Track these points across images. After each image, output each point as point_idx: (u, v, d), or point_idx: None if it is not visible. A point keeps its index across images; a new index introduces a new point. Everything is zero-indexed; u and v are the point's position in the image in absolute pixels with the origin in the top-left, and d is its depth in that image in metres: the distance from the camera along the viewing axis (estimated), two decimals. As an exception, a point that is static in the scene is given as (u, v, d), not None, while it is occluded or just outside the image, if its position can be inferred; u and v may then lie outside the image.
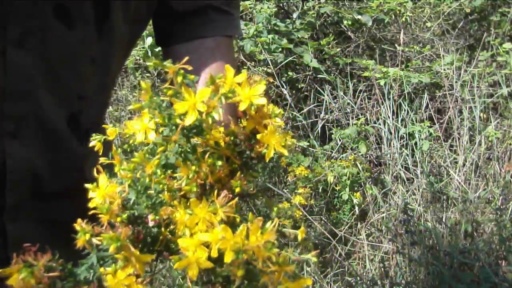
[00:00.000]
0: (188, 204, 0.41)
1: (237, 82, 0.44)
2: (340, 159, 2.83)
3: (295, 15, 3.65)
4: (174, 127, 0.44)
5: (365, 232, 2.55)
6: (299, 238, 0.47)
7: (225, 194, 0.41)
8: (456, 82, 3.16)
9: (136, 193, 0.44)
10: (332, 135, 3.00)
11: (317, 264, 2.40)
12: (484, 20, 3.89)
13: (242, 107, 0.44)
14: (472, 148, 2.85)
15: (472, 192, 2.59)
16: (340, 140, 2.94)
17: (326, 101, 3.21)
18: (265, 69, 3.30)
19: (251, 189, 0.47)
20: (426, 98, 3.20)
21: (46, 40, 0.66)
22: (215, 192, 0.42)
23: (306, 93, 3.44)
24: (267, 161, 0.46)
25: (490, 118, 3.08)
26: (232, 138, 0.47)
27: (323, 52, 3.57)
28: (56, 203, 0.70)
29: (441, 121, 3.17)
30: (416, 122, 3.08)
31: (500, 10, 3.79)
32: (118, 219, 0.42)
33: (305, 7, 3.69)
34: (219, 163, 0.44)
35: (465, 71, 3.24)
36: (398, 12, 3.81)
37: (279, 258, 0.40)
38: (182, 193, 0.43)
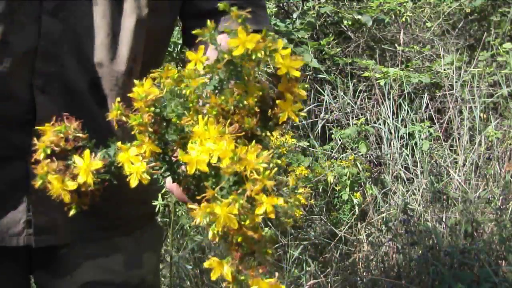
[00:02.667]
0: (206, 122, 0.50)
1: (281, 53, 0.52)
2: (340, 159, 2.83)
3: (295, 15, 3.64)
4: (222, 59, 0.53)
5: (365, 232, 2.55)
6: (290, 184, 0.52)
7: (235, 125, 0.50)
8: (456, 82, 3.16)
9: (169, 100, 0.53)
10: (332, 135, 3.00)
11: (317, 264, 2.40)
12: (484, 20, 3.89)
13: (280, 72, 0.53)
14: (472, 148, 2.85)
15: (472, 192, 2.59)
16: (340, 140, 2.94)
17: (326, 101, 3.21)
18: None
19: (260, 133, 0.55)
20: (426, 98, 3.20)
21: (75, 13, 0.78)
22: (229, 120, 0.50)
23: (306, 93, 3.44)
24: (280, 122, 0.55)
25: (490, 118, 3.07)
26: (260, 92, 0.55)
27: (323, 52, 3.57)
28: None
29: (441, 121, 3.17)
30: (416, 122, 3.08)
31: (500, 10, 3.79)
32: (146, 109, 0.51)
33: (305, 7, 3.69)
34: (245, 102, 0.52)
35: (465, 71, 3.24)
36: (398, 12, 3.81)
37: (265, 173, 0.46)
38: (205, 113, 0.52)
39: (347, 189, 2.63)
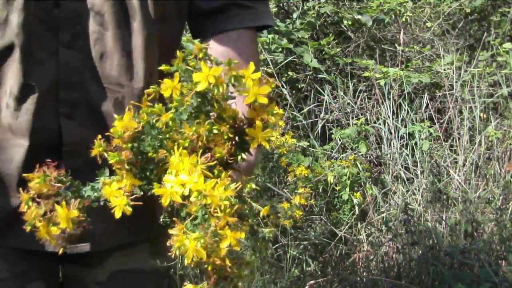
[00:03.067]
0: (180, 153, 0.53)
1: (251, 78, 0.55)
2: (340, 159, 2.83)
3: (295, 15, 3.64)
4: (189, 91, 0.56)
5: (365, 232, 2.55)
6: (262, 213, 0.55)
7: (207, 155, 0.53)
8: (456, 82, 3.16)
9: (147, 133, 0.56)
10: (332, 135, 3.00)
11: (317, 264, 2.40)
12: (484, 20, 3.89)
13: (247, 101, 0.55)
14: (472, 148, 2.85)
15: (472, 192, 2.59)
16: (340, 140, 2.94)
17: (326, 101, 3.21)
18: (265, 69, 3.30)
19: (233, 161, 0.57)
20: (426, 98, 3.20)
21: (90, 40, 0.82)
22: (201, 151, 0.53)
23: (306, 93, 3.44)
24: (251, 149, 0.57)
25: (490, 118, 3.07)
26: (231, 120, 0.57)
27: (323, 52, 3.57)
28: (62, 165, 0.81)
29: (441, 121, 3.17)
30: (416, 122, 3.08)
31: (500, 10, 3.79)
32: (124, 145, 0.55)
33: (305, 7, 3.69)
34: (214, 131, 0.55)
35: (465, 71, 3.24)
36: (398, 12, 3.80)
37: (226, 209, 0.50)
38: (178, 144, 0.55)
39: (347, 189, 2.62)
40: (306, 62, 3.35)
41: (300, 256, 2.32)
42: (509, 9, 3.68)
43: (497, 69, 3.29)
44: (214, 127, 0.55)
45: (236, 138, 0.58)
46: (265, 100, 0.55)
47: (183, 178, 0.51)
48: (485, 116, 3.17)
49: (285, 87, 3.24)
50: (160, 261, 0.98)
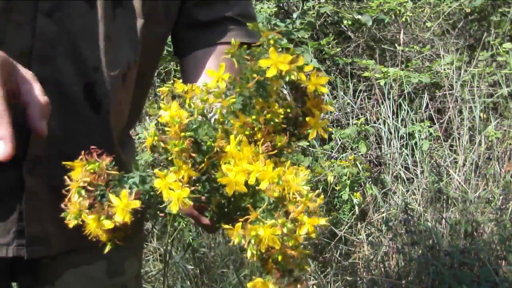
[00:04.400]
0: (238, 142, 0.52)
1: (306, 70, 0.54)
2: (340, 159, 2.83)
3: (295, 15, 3.64)
4: (249, 80, 0.54)
5: (365, 232, 2.55)
6: (318, 202, 0.52)
7: (268, 144, 0.51)
8: (456, 82, 3.16)
9: (199, 123, 0.53)
10: (332, 135, 3.00)
11: (317, 264, 2.40)
12: (484, 20, 3.89)
13: (309, 90, 0.55)
14: (472, 148, 2.85)
15: (472, 192, 2.59)
16: (340, 140, 2.94)
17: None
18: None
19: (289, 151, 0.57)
20: (426, 98, 3.20)
21: (71, 15, 0.76)
22: (261, 141, 0.52)
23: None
24: (309, 139, 0.57)
25: (490, 118, 3.08)
26: (288, 109, 0.56)
27: (323, 52, 3.57)
28: (66, 172, 0.75)
29: (441, 121, 3.17)
30: (416, 122, 3.08)
31: (500, 10, 3.79)
32: (182, 134, 0.51)
33: (305, 7, 3.69)
34: (276, 120, 0.54)
35: (465, 71, 3.25)
36: (398, 12, 3.81)
37: (308, 194, 0.48)
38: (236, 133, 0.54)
39: (347, 189, 2.63)
40: (306, 62, 3.34)
41: (300, 256, 2.32)
42: (509, 9, 3.68)
43: (497, 69, 3.29)
44: (271, 115, 0.54)
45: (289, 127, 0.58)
46: (325, 90, 0.56)
47: (247, 166, 0.49)
48: (485, 116, 3.17)
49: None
50: (116, 281, 0.92)
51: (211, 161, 0.53)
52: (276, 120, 0.54)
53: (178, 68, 3.46)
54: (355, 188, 2.66)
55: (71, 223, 0.51)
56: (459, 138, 2.93)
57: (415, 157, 2.86)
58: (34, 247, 0.79)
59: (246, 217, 0.48)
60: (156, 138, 0.53)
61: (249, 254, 0.47)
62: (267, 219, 0.48)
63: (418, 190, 2.65)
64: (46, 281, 0.87)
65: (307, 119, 0.56)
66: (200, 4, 0.92)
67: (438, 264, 2.05)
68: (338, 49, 3.62)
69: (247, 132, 0.53)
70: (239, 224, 0.48)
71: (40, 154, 0.77)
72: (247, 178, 0.49)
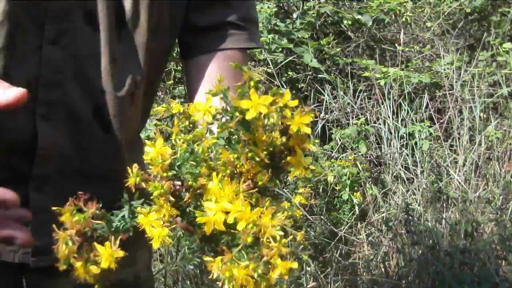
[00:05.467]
0: (220, 180, 0.53)
1: (290, 106, 0.54)
2: (340, 159, 2.83)
3: (295, 15, 3.65)
4: (233, 117, 0.55)
5: (365, 232, 2.55)
6: (298, 239, 0.54)
7: (248, 183, 0.52)
8: (456, 82, 3.16)
9: (183, 160, 0.55)
10: (332, 135, 3.00)
11: (317, 264, 2.40)
12: (484, 20, 3.89)
13: (292, 130, 0.54)
14: (472, 148, 2.85)
15: (472, 192, 2.59)
16: (340, 140, 2.94)
17: (326, 101, 3.21)
18: (265, 69, 3.30)
19: (271, 188, 0.58)
20: (426, 98, 3.20)
21: (76, 39, 0.77)
22: (242, 179, 0.52)
23: (306, 93, 3.44)
24: (290, 178, 0.53)
25: (490, 118, 3.08)
26: (271, 148, 0.57)
27: (323, 52, 3.57)
28: (80, 186, 0.76)
29: (441, 121, 3.17)
30: (416, 122, 3.08)
31: (500, 10, 3.79)
32: (164, 174, 0.53)
33: (305, 7, 3.69)
34: (256, 158, 0.54)
35: (465, 71, 3.25)
36: (398, 12, 3.81)
37: (281, 240, 0.50)
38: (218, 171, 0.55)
39: (347, 189, 2.63)
40: (306, 62, 3.35)
41: (300, 256, 2.32)
42: (509, 9, 3.68)
43: (497, 69, 3.29)
44: (252, 153, 0.55)
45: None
46: (308, 130, 0.55)
47: (226, 205, 0.51)
48: (485, 116, 3.17)
49: (285, 87, 3.24)
50: (128, 272, 0.94)
51: (194, 196, 0.55)
52: (257, 159, 0.55)
53: (179, 68, 3.46)
54: (355, 188, 2.66)
55: (61, 267, 0.54)
56: (459, 138, 2.93)
57: (415, 157, 2.86)
58: (40, 257, 0.82)
59: (221, 256, 0.50)
60: (138, 178, 0.55)
61: (226, 287, 0.50)
62: (241, 260, 0.50)
63: (418, 190, 2.65)
64: (59, 274, 0.88)
65: (288, 158, 0.57)
66: (198, 9, 0.92)
67: (438, 264, 2.05)
68: (338, 49, 3.62)
69: (228, 171, 0.54)
70: (219, 258, 0.50)
71: (48, 173, 0.79)
72: (226, 217, 0.50)
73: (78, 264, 0.53)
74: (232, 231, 0.51)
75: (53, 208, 0.56)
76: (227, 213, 0.50)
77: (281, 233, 0.50)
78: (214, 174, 0.53)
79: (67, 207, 0.55)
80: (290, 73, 3.45)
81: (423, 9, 4.03)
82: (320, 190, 2.69)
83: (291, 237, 0.52)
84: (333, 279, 2.29)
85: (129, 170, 0.55)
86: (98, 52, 0.79)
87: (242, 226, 0.50)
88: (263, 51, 3.26)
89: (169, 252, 2.36)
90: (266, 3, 3.60)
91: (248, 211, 0.50)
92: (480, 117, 3.02)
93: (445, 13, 3.86)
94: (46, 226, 0.70)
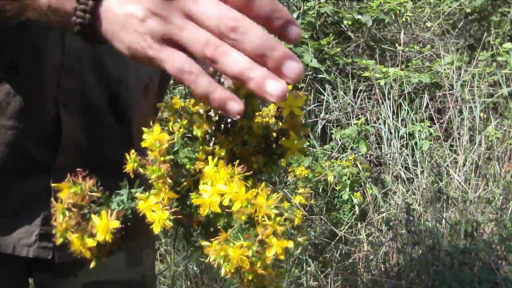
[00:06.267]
0: (216, 163, 0.53)
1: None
2: (340, 159, 2.83)
3: (295, 15, 3.64)
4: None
5: (365, 232, 2.55)
6: (296, 223, 0.55)
7: (243, 166, 0.52)
8: (456, 82, 3.16)
9: (181, 145, 0.55)
10: (332, 135, 3.00)
11: (317, 264, 2.40)
12: (484, 20, 3.89)
13: (284, 112, 0.55)
14: (472, 148, 2.85)
15: (472, 192, 2.59)
16: (340, 140, 2.94)
17: (326, 101, 3.21)
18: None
19: (266, 172, 0.58)
20: (426, 98, 3.20)
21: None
22: (237, 162, 0.52)
23: (306, 93, 3.44)
24: (285, 160, 0.58)
25: (490, 118, 3.08)
26: (265, 131, 0.57)
27: (323, 52, 3.57)
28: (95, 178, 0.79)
29: (441, 121, 3.17)
30: (416, 122, 3.08)
31: (500, 10, 3.79)
32: (162, 158, 0.54)
33: (305, 7, 3.69)
34: (251, 140, 0.55)
35: (465, 71, 3.25)
36: (398, 12, 3.81)
37: (276, 218, 0.50)
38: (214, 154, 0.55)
39: (347, 189, 2.63)
40: (306, 62, 3.35)
41: (300, 256, 2.32)
42: (509, 9, 3.68)
43: (497, 69, 3.29)
44: (247, 137, 0.55)
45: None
46: (301, 112, 0.55)
47: (221, 187, 0.51)
48: (485, 116, 3.17)
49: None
50: (135, 272, 0.95)
51: (191, 181, 0.55)
52: (253, 142, 0.55)
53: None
54: (355, 188, 2.66)
55: (58, 241, 0.54)
56: (459, 138, 2.93)
57: (415, 157, 2.86)
58: (61, 252, 0.82)
59: (216, 237, 0.50)
60: (136, 164, 0.55)
61: (223, 271, 0.49)
62: (237, 240, 0.49)
63: (418, 190, 2.65)
64: (68, 273, 0.89)
65: (282, 141, 0.57)
66: None
67: (439, 264, 2.05)
68: (338, 49, 3.62)
69: (222, 153, 0.54)
70: (216, 242, 0.50)
71: (67, 163, 0.79)
72: (222, 199, 0.50)
73: (74, 237, 0.53)
74: (227, 210, 0.51)
75: (52, 184, 0.57)
76: (223, 195, 0.50)
77: (276, 211, 0.50)
78: (209, 158, 0.53)
79: (65, 183, 0.55)
80: (290, 73, 3.44)
81: (423, 9, 4.03)
82: (320, 190, 2.69)
83: (285, 215, 0.51)
84: (333, 279, 2.29)
85: (127, 156, 0.55)
86: None
87: (238, 206, 0.50)
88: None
89: (169, 252, 2.36)
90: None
91: (243, 192, 0.50)
92: (480, 117, 3.02)
93: (445, 13, 3.86)
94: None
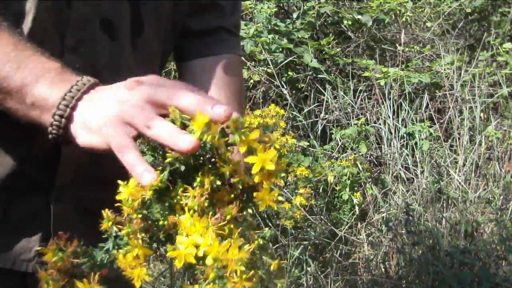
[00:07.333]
0: (191, 215, 0.55)
1: (252, 139, 0.54)
2: (340, 159, 2.83)
3: (295, 15, 3.65)
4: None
5: (365, 232, 2.55)
6: (272, 267, 0.56)
7: (217, 216, 0.54)
8: (456, 82, 3.16)
9: (153, 202, 0.57)
10: (332, 135, 3.00)
11: (317, 264, 2.40)
12: (484, 20, 3.89)
13: (255, 169, 0.54)
14: (472, 148, 2.85)
15: (472, 192, 2.59)
16: (340, 140, 2.94)
17: (326, 101, 3.21)
18: (265, 69, 3.30)
19: (243, 217, 0.58)
20: (426, 98, 3.20)
21: (94, 48, 0.79)
22: (210, 214, 0.54)
23: (306, 93, 3.44)
24: (260, 210, 0.58)
25: (490, 118, 3.08)
26: (238, 183, 0.58)
27: (323, 52, 3.57)
28: (94, 193, 0.81)
29: (441, 121, 3.17)
30: (416, 122, 3.08)
31: (500, 10, 3.79)
32: (134, 215, 0.55)
33: (305, 7, 3.69)
34: (218, 182, 0.56)
35: (465, 71, 3.25)
36: (398, 12, 3.81)
37: (242, 274, 0.51)
38: (188, 206, 0.56)
39: (347, 189, 2.63)
40: (306, 62, 3.35)
41: (300, 257, 2.32)
42: (509, 9, 3.68)
43: (497, 69, 3.29)
44: (217, 180, 0.56)
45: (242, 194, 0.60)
46: (272, 167, 0.55)
47: (196, 239, 0.53)
48: (485, 116, 3.17)
49: (285, 87, 3.25)
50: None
51: (166, 234, 0.58)
52: (218, 182, 0.56)
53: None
54: (355, 188, 2.67)
55: None
56: (459, 138, 2.93)
57: (415, 157, 2.86)
58: None
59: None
60: (110, 222, 0.57)
61: None
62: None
63: (418, 190, 2.65)
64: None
65: (254, 194, 0.57)
66: (194, 13, 0.94)
67: (438, 264, 2.05)
68: (338, 49, 3.62)
69: (195, 206, 0.55)
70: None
71: (67, 182, 0.80)
72: (196, 251, 0.53)
73: None
74: (200, 266, 0.53)
75: (37, 248, 0.60)
76: (197, 247, 0.52)
77: (242, 268, 0.51)
78: (186, 209, 0.55)
79: (49, 247, 0.57)
80: (290, 73, 3.45)
81: (423, 9, 4.03)
82: (320, 190, 2.69)
83: (253, 273, 0.53)
84: (333, 279, 2.29)
85: (103, 214, 0.57)
86: (114, 60, 0.81)
87: (210, 261, 0.52)
88: (263, 51, 3.27)
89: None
90: (266, 3, 3.60)
91: (216, 246, 0.52)
92: (480, 117, 3.02)
93: (445, 13, 3.86)
94: (66, 233, 0.73)
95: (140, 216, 0.56)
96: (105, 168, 0.84)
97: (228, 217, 0.55)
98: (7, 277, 0.85)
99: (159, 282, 2.28)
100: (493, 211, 2.42)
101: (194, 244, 0.52)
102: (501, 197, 2.54)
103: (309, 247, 2.45)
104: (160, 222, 0.56)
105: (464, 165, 2.77)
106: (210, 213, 0.54)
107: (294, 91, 3.43)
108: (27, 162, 0.79)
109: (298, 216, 2.35)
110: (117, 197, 0.57)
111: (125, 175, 0.70)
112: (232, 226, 0.55)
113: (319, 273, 2.34)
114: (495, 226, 2.33)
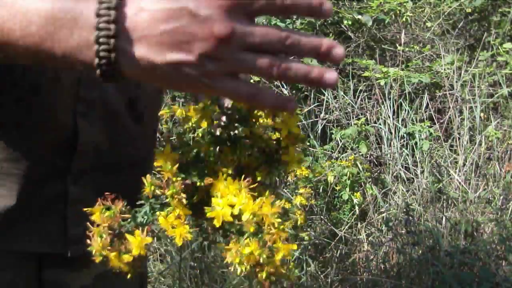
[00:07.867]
0: (225, 178, 0.60)
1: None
2: (341, 159, 2.83)
3: (295, 15, 3.64)
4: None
5: (365, 232, 2.55)
6: (299, 222, 0.65)
7: (248, 179, 0.58)
8: (456, 82, 3.16)
9: (190, 165, 0.62)
10: (333, 135, 3.00)
11: (317, 264, 2.40)
12: (484, 20, 3.89)
13: (283, 133, 0.62)
14: (472, 148, 2.85)
15: (472, 192, 2.59)
16: (340, 140, 2.94)
17: (326, 101, 3.21)
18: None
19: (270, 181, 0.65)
20: (426, 98, 3.20)
21: None
22: (243, 177, 0.59)
23: (306, 93, 3.44)
24: (287, 172, 0.66)
25: (491, 118, 3.08)
26: (264, 144, 0.64)
27: (323, 52, 3.56)
28: (111, 176, 0.85)
29: (441, 121, 3.17)
30: (416, 122, 3.08)
31: (500, 10, 3.79)
32: (174, 178, 0.60)
33: (305, 7, 3.69)
34: (254, 153, 0.63)
35: (465, 71, 3.25)
36: (398, 12, 3.81)
37: (279, 226, 0.57)
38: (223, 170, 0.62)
39: (347, 189, 2.63)
40: (306, 62, 3.35)
41: (300, 256, 2.32)
42: (509, 9, 3.68)
43: (497, 69, 3.29)
44: (250, 152, 0.63)
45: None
46: (298, 130, 0.62)
47: (231, 199, 0.58)
48: (485, 116, 3.17)
49: (285, 87, 3.24)
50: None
51: (203, 193, 0.62)
52: (256, 155, 0.63)
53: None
54: (355, 188, 2.67)
55: (97, 259, 0.61)
56: (459, 138, 2.93)
57: (415, 157, 2.86)
58: (78, 245, 0.83)
59: (233, 244, 0.57)
60: (153, 187, 0.61)
61: (238, 270, 0.56)
62: (248, 247, 0.57)
63: (418, 190, 2.65)
64: (80, 266, 0.91)
65: (282, 156, 0.64)
66: None
67: (438, 264, 2.05)
68: (338, 49, 3.62)
69: (230, 171, 0.61)
70: (231, 245, 0.58)
71: (85, 167, 0.82)
72: (232, 210, 0.57)
73: (112, 254, 0.60)
74: (238, 222, 0.57)
75: (85, 209, 0.62)
76: (232, 206, 0.57)
77: (279, 220, 0.56)
78: (220, 173, 0.60)
79: (97, 207, 0.61)
80: (290, 73, 3.44)
81: (423, 9, 4.03)
82: (320, 190, 2.69)
83: (290, 219, 0.58)
84: (333, 279, 2.29)
85: (144, 180, 0.61)
86: None
87: (246, 217, 0.56)
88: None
89: (169, 252, 2.36)
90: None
91: (250, 203, 0.57)
92: (480, 117, 3.02)
93: (445, 13, 3.86)
94: (82, 217, 0.75)
95: (179, 179, 0.60)
96: (124, 154, 0.88)
97: (259, 178, 0.62)
98: (22, 262, 0.87)
99: (159, 282, 2.28)
100: (493, 211, 2.42)
101: (229, 204, 0.57)
102: (501, 197, 2.54)
103: (309, 247, 2.45)
104: (198, 184, 0.61)
105: (464, 165, 2.77)
106: (242, 176, 0.59)
107: (294, 91, 3.43)
108: (43, 149, 0.80)
109: (301, 221, 2.35)
110: (155, 164, 0.61)
111: (146, 160, 0.71)
112: (261, 189, 0.60)
113: (319, 273, 2.34)
114: (495, 226, 2.33)
